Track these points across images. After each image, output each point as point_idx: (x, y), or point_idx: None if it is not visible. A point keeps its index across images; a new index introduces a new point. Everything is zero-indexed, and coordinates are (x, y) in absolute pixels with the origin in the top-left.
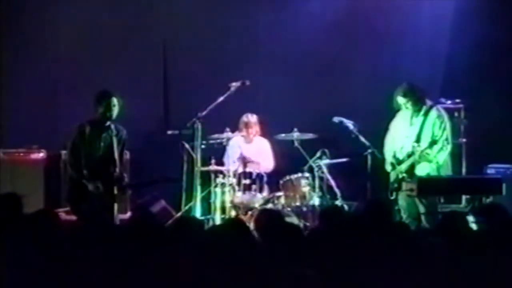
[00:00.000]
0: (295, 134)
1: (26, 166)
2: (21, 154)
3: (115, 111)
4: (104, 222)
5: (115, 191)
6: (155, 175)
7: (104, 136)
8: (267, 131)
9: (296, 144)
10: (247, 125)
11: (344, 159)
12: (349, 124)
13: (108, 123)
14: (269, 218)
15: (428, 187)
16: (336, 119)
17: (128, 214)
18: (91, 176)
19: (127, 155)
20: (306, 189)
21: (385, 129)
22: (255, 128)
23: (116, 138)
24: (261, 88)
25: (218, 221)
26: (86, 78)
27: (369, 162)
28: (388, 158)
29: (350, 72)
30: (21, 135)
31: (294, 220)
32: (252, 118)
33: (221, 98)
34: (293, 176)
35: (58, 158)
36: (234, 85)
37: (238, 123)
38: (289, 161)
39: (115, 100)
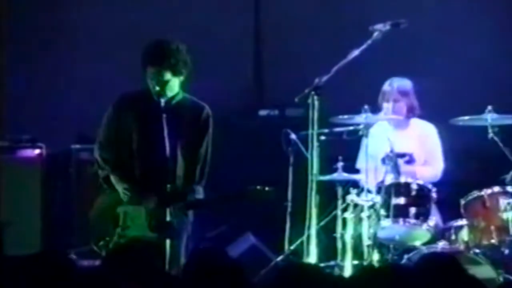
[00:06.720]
0: (490, 116)
1: (19, 168)
2: (6, 150)
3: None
4: (151, 270)
5: (168, 215)
6: (237, 186)
7: (156, 118)
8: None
9: (490, 133)
10: (389, 98)
11: None
12: None
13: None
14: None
15: None
16: None
17: None
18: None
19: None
20: (510, 215)
21: None
22: (406, 104)
23: (184, 122)
24: (424, 39)
25: (349, 270)
26: (124, 27)
27: None
28: None
29: None
30: (10, 122)
31: (487, 269)
32: (400, 85)
33: (355, 53)
34: (486, 192)
35: (66, 157)
36: (379, 28)
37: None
38: (479, 164)
39: (172, 61)
